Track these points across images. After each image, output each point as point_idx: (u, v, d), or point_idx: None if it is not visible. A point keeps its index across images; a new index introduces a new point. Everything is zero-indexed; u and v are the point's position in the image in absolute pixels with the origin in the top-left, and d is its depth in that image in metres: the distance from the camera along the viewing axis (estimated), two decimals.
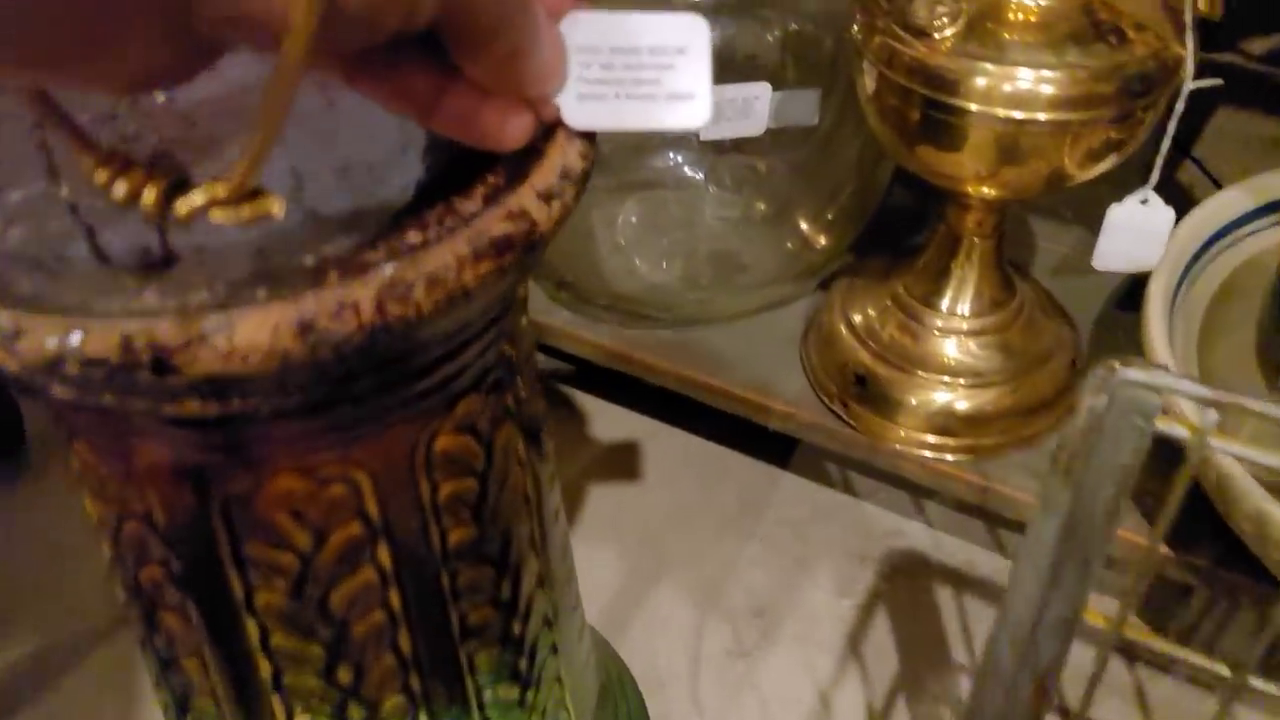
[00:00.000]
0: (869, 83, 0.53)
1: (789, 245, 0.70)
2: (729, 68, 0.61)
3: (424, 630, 0.34)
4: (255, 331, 0.23)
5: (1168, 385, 0.29)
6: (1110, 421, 0.30)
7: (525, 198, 0.27)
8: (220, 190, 0.22)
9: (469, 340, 0.29)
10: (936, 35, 0.48)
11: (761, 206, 0.69)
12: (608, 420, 0.77)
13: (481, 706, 0.38)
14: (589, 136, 0.29)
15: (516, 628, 0.38)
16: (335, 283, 0.24)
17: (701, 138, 0.60)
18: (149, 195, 0.23)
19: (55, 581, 0.69)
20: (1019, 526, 0.65)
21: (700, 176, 0.73)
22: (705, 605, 0.66)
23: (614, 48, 0.28)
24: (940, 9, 0.48)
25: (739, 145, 0.68)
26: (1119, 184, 0.54)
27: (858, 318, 0.65)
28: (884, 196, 0.69)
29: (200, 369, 0.23)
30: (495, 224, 0.26)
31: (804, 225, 0.69)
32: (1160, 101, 0.51)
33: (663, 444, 0.75)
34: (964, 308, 0.61)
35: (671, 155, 0.73)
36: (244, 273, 0.24)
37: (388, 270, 0.24)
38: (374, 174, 0.28)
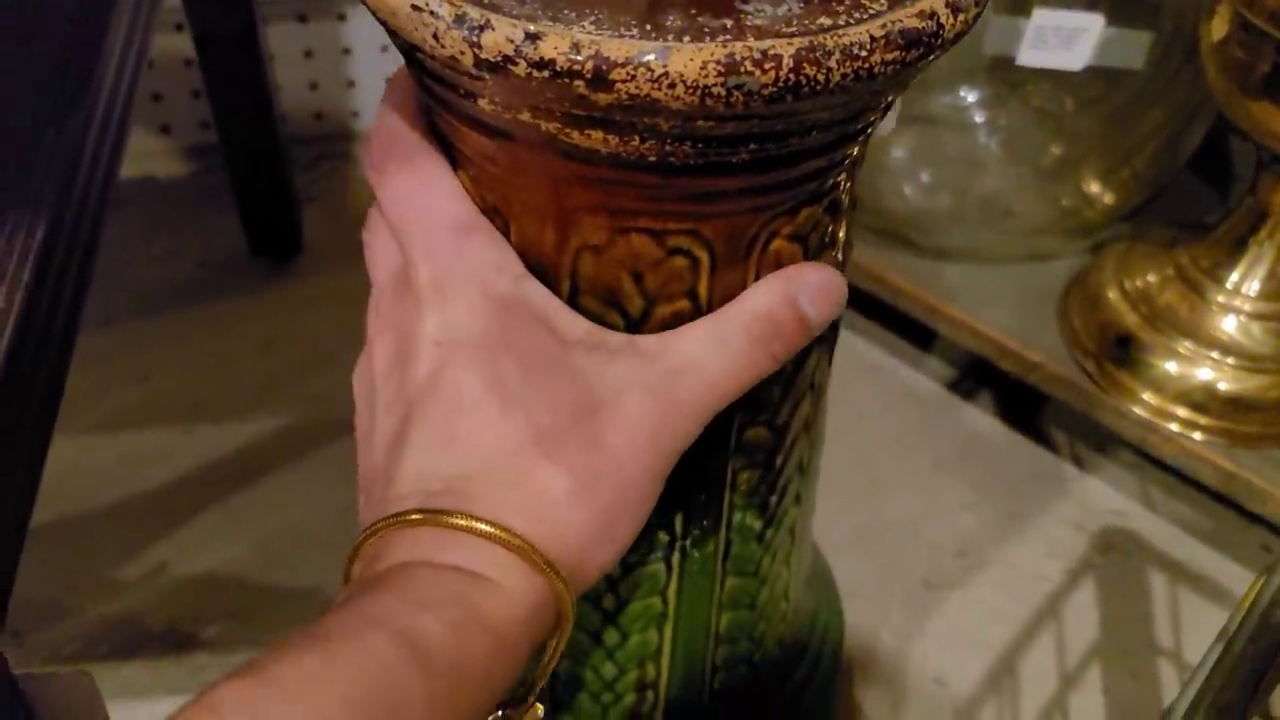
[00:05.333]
0: (1218, 27, 0.51)
1: (1066, 200, 0.68)
2: None
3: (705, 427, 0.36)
4: (686, 63, 0.25)
5: None
6: None
7: (936, 3, 0.28)
8: None
9: (833, 145, 0.31)
10: None
11: (1050, 154, 0.67)
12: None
13: (729, 526, 0.40)
14: None
15: (779, 459, 0.39)
16: (757, 39, 0.26)
17: (1018, 62, 0.60)
18: None
19: (309, 376, 0.76)
20: (1254, 525, 0.62)
21: (983, 119, 0.72)
22: (908, 533, 0.66)
23: None
24: None
25: (1038, 85, 0.66)
26: None
27: (1132, 282, 0.63)
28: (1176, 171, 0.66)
29: (630, 88, 0.25)
30: (907, 19, 0.27)
31: (1091, 181, 0.67)
32: None
33: (888, 377, 0.75)
34: (1253, 287, 0.58)
35: (962, 93, 0.72)
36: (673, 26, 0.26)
37: (807, 37, 0.26)
38: None
